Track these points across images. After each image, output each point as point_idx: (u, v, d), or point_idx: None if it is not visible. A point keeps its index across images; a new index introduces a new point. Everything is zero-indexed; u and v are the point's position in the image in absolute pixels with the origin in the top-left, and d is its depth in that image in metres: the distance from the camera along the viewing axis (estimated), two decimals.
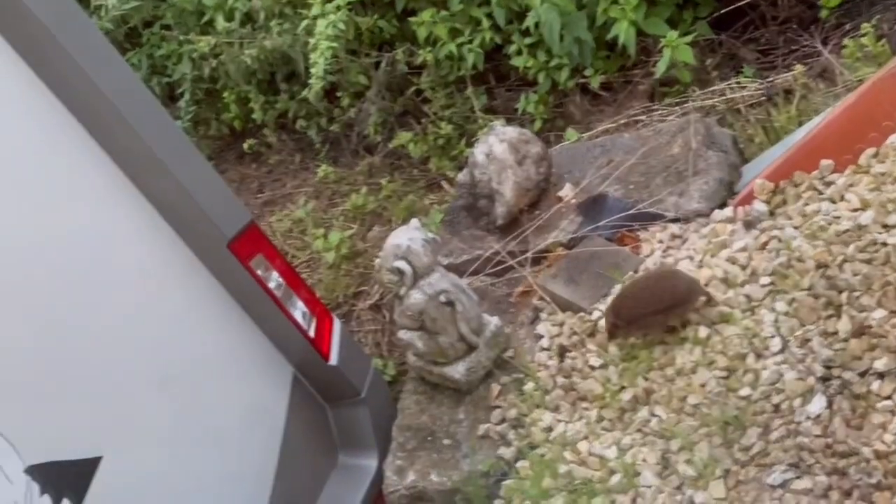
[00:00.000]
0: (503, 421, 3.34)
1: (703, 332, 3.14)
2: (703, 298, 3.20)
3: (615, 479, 2.93)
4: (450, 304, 3.34)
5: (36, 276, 2.81)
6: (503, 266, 3.82)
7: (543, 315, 3.59)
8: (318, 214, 5.24)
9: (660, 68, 4.52)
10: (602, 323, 3.33)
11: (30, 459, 2.74)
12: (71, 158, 2.92)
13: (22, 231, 2.80)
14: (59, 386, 2.84)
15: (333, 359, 3.51)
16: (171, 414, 3.17)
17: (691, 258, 3.43)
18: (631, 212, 3.70)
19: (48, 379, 2.82)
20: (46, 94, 2.81)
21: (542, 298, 3.62)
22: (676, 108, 4.50)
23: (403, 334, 3.47)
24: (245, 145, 5.72)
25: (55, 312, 2.85)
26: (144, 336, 3.09)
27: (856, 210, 3.26)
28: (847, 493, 2.62)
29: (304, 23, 5.12)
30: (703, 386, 3.02)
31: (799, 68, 4.29)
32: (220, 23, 5.41)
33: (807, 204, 3.39)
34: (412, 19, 5.13)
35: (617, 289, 3.44)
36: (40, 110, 2.84)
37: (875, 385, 2.78)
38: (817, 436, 2.75)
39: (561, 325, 3.49)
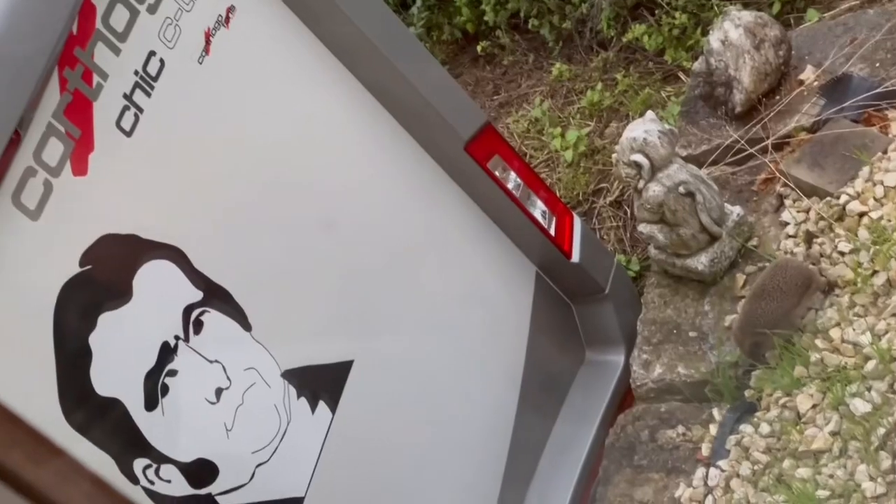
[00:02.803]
0: None
1: None
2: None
3: (870, 365, 2.85)
4: (689, 195, 3.30)
5: (293, 183, 2.93)
6: (743, 154, 3.73)
7: (788, 202, 3.49)
8: (554, 113, 5.22)
9: None
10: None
11: (286, 365, 2.87)
12: (312, 71, 3.00)
13: (285, 142, 2.93)
14: (312, 292, 2.96)
15: (575, 256, 3.52)
16: (418, 316, 3.26)
17: None
18: (878, 90, 3.54)
19: (301, 285, 2.94)
20: (282, 8, 2.89)
21: (785, 185, 3.52)
22: None
23: (644, 228, 3.45)
24: (478, 48, 5.71)
25: (306, 221, 2.97)
26: (389, 241, 3.18)
27: None
28: None
29: None
30: None
31: None
32: None
33: None
34: None
35: (865, 170, 3.32)
36: (281, 27, 2.92)
37: None
38: None
39: (807, 211, 3.39)
